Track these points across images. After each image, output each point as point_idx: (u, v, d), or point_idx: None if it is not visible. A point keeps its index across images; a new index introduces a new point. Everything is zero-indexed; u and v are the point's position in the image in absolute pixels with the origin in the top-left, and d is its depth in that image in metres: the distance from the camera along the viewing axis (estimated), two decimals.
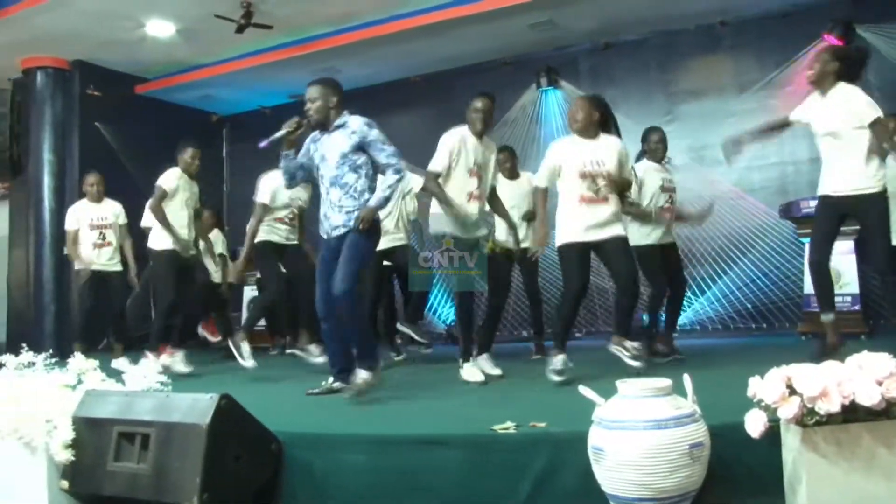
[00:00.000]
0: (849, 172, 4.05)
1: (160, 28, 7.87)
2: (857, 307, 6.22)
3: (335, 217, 3.99)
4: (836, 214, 4.18)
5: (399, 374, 5.21)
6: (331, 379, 4.18)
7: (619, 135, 4.44)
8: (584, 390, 2.45)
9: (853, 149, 4.02)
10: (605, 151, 4.26)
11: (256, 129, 9.21)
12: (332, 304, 3.92)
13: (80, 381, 3.26)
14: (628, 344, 4.20)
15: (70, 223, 6.41)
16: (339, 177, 3.97)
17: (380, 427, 3.06)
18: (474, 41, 8.08)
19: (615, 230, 4.25)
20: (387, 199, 4.01)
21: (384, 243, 5.22)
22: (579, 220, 4.22)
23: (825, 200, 4.19)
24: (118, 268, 6.43)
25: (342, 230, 3.96)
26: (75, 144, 8.77)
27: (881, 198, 4.04)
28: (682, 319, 7.45)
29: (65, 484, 2.92)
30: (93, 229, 6.37)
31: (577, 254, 4.22)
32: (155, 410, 2.83)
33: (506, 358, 5.28)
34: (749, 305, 7.22)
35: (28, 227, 8.77)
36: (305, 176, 4.26)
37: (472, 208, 4.53)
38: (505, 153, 5.70)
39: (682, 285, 5.31)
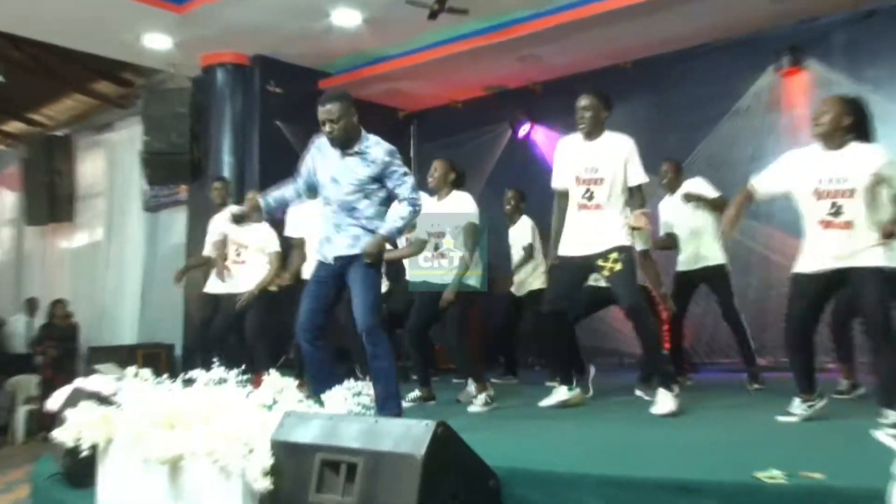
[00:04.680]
0: None
1: (346, 17, 8.12)
2: None
3: (340, 240, 4.08)
4: None
5: (617, 404, 5.14)
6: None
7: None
8: (882, 436, 2.22)
9: None
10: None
11: (447, 126, 9.32)
12: (317, 328, 4.06)
13: (275, 402, 3.30)
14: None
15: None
16: (348, 203, 4.07)
17: (615, 467, 2.91)
18: (697, 19, 7.84)
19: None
20: (399, 231, 4.13)
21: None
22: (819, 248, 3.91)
23: None
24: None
25: (346, 254, 4.05)
26: (255, 145, 9.19)
27: None
28: None
29: None
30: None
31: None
32: (362, 437, 2.79)
33: (724, 389, 5.32)
34: None
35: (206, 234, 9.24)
36: (311, 192, 4.33)
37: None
38: None
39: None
